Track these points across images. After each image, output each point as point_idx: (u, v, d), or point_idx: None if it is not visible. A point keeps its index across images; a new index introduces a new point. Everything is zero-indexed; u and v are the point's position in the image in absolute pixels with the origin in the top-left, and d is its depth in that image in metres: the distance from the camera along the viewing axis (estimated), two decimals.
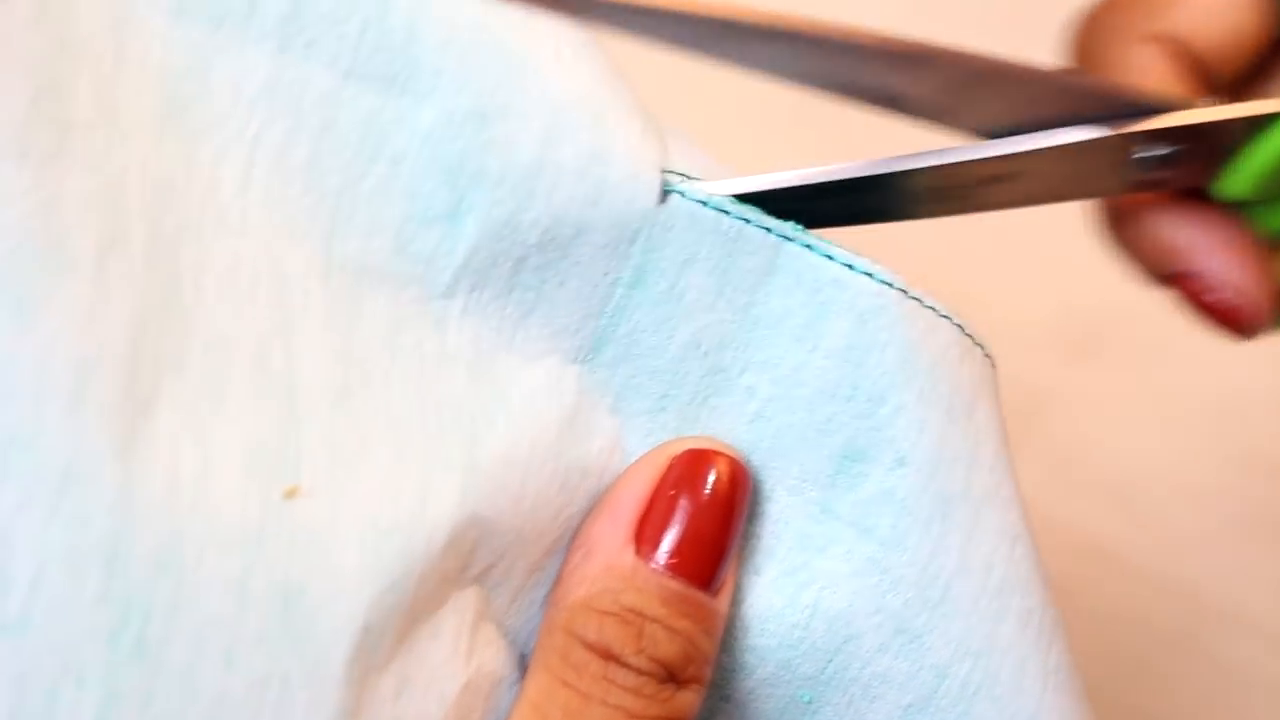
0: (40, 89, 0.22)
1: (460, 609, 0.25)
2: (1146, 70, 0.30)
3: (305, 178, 0.25)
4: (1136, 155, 0.29)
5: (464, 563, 0.25)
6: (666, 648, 0.26)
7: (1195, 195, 0.31)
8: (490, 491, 0.25)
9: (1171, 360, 0.55)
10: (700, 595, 0.26)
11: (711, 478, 0.26)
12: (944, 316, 0.27)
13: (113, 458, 0.21)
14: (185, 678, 0.21)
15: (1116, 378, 0.57)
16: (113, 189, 0.23)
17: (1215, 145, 0.29)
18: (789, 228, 0.27)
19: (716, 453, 0.27)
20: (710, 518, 0.26)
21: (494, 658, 0.26)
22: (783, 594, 0.27)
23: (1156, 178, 0.29)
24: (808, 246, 0.27)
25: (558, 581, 0.27)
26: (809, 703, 0.28)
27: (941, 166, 0.28)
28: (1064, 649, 0.28)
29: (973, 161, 0.28)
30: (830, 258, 0.27)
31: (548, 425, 0.26)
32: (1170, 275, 0.31)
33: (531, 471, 0.26)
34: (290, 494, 0.23)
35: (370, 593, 0.23)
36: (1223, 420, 0.55)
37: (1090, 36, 0.32)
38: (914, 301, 0.27)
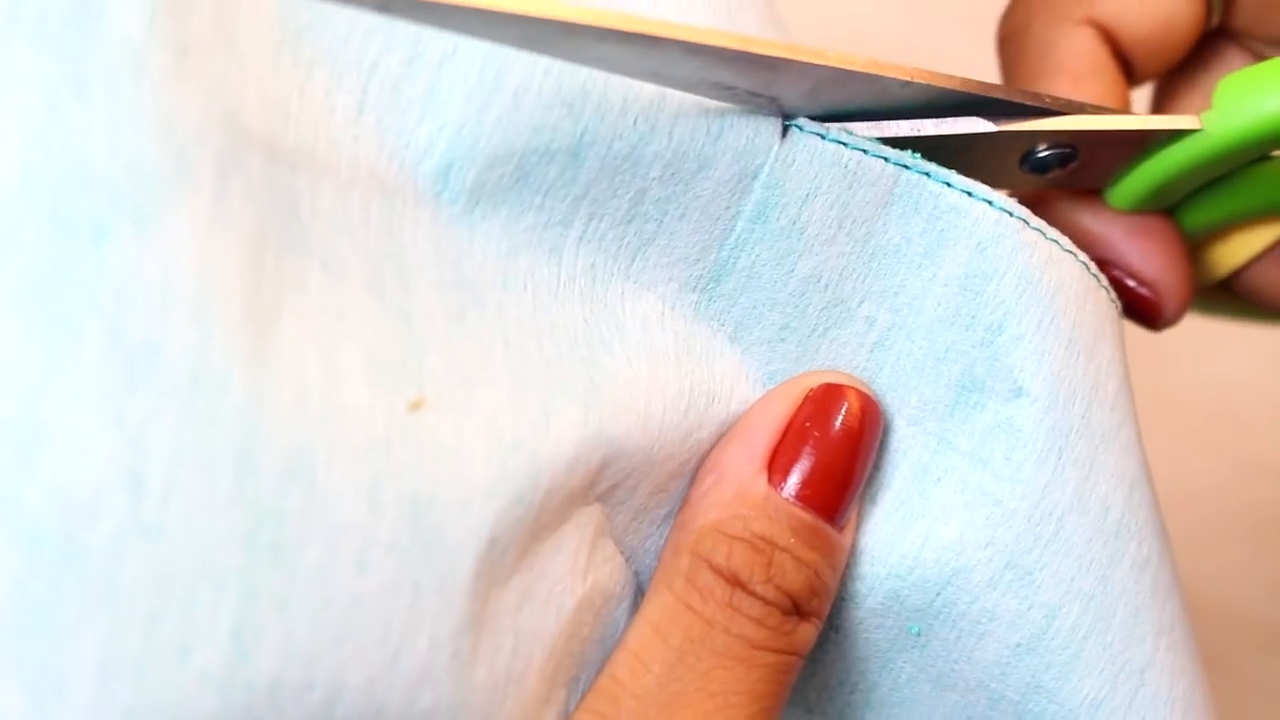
0: (158, 10, 0.22)
1: (581, 525, 0.25)
2: (1076, 53, 0.30)
3: (422, 108, 0.24)
4: (1035, 154, 0.28)
5: (591, 481, 0.25)
6: (794, 578, 0.26)
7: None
8: (614, 412, 0.25)
9: (1171, 360, 0.55)
10: (828, 528, 0.26)
11: (845, 412, 0.26)
12: (1069, 252, 0.27)
13: (240, 366, 0.21)
14: (320, 581, 0.21)
15: None
16: (231, 109, 0.22)
17: (1109, 153, 0.29)
18: (906, 156, 0.27)
19: (851, 388, 0.27)
20: (842, 452, 0.26)
21: (610, 575, 0.26)
22: (895, 523, 0.27)
23: (1054, 177, 0.29)
24: (925, 174, 0.27)
25: (686, 504, 0.27)
26: (918, 635, 0.28)
27: None
28: (1180, 608, 0.28)
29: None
30: (949, 184, 0.27)
31: (665, 349, 0.26)
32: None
33: (655, 393, 0.26)
34: (415, 406, 0.23)
35: (497, 506, 0.23)
36: (1222, 421, 0.55)
37: (1022, 16, 0.31)
38: (1035, 232, 0.27)
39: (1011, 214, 0.26)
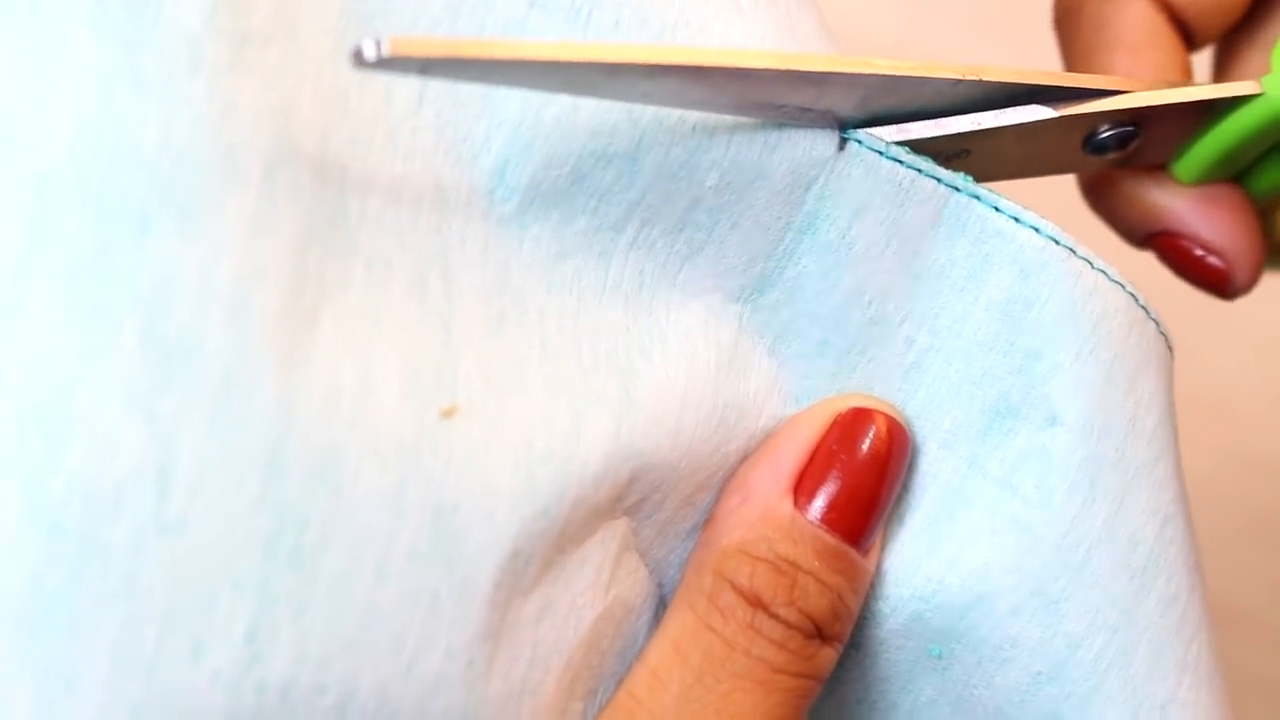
0: (218, 2, 0.22)
1: (607, 539, 0.25)
2: (1132, 25, 0.30)
3: (481, 104, 0.24)
4: (1097, 135, 0.28)
5: (618, 494, 0.25)
6: (817, 601, 0.25)
7: None
8: (646, 425, 0.25)
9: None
10: (853, 552, 0.26)
11: (873, 436, 0.26)
12: (1116, 282, 0.27)
13: (274, 368, 0.21)
14: (339, 587, 0.21)
15: None
16: (285, 103, 0.22)
17: (1171, 126, 0.29)
18: (959, 178, 0.27)
19: (881, 413, 0.27)
20: (869, 477, 0.26)
21: (632, 588, 0.26)
22: (922, 545, 0.27)
23: (1118, 156, 0.29)
24: (975, 197, 0.26)
25: (710, 522, 0.26)
26: (939, 658, 0.27)
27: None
28: (1208, 646, 0.28)
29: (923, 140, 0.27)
30: (998, 209, 0.26)
31: (706, 361, 0.26)
32: (1151, 235, 0.31)
33: (689, 407, 0.26)
34: (447, 414, 0.23)
35: (521, 516, 0.23)
36: (1223, 420, 0.55)
37: None
38: (1082, 261, 0.27)
39: (1058, 241, 0.26)
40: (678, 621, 0.26)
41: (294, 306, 0.22)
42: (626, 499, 0.25)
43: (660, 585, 0.27)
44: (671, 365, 0.26)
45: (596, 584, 0.25)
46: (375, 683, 0.22)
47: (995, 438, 0.27)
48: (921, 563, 0.27)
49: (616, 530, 0.25)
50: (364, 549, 0.22)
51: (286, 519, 0.21)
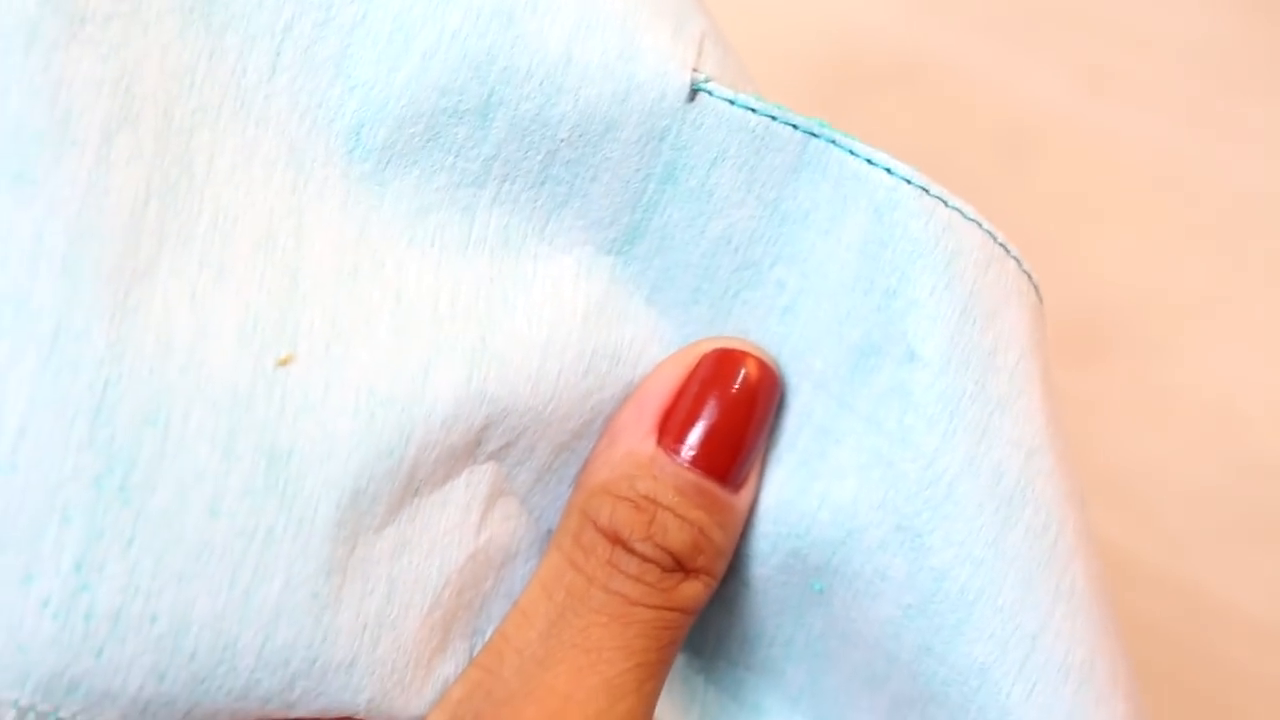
0: None
1: (473, 483, 0.26)
2: None
3: (334, 70, 0.26)
4: None
5: (474, 439, 0.26)
6: (676, 536, 0.26)
7: None
8: (502, 372, 0.26)
9: (1171, 361, 0.55)
10: (717, 489, 0.27)
11: (740, 377, 0.27)
12: (972, 220, 0.28)
13: (105, 318, 0.23)
14: (167, 523, 0.23)
15: (1117, 378, 0.57)
16: (126, 76, 0.24)
17: None
18: (814, 124, 0.27)
19: (746, 353, 0.27)
20: (734, 415, 0.27)
21: (510, 531, 0.27)
22: (797, 484, 0.28)
23: None
24: (832, 142, 0.27)
25: (584, 466, 0.27)
26: (820, 593, 0.28)
27: None
28: (1086, 576, 0.28)
29: None
30: (853, 153, 0.27)
31: (573, 310, 0.27)
32: None
33: (552, 354, 0.26)
34: (284, 362, 0.24)
35: (361, 457, 0.25)
36: (1223, 420, 0.55)
37: None
38: (935, 200, 0.27)
39: (910, 181, 0.27)
40: (547, 561, 0.27)
41: (127, 260, 0.23)
42: (486, 443, 0.26)
43: (549, 532, 0.28)
44: (534, 315, 0.27)
45: (464, 525, 0.26)
46: (210, 612, 0.24)
47: (861, 375, 0.28)
48: (797, 501, 0.28)
49: (484, 475, 0.27)
50: (193, 489, 0.23)
51: (115, 459, 0.23)
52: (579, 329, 0.27)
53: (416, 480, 0.25)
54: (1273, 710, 0.50)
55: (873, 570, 0.27)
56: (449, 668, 0.27)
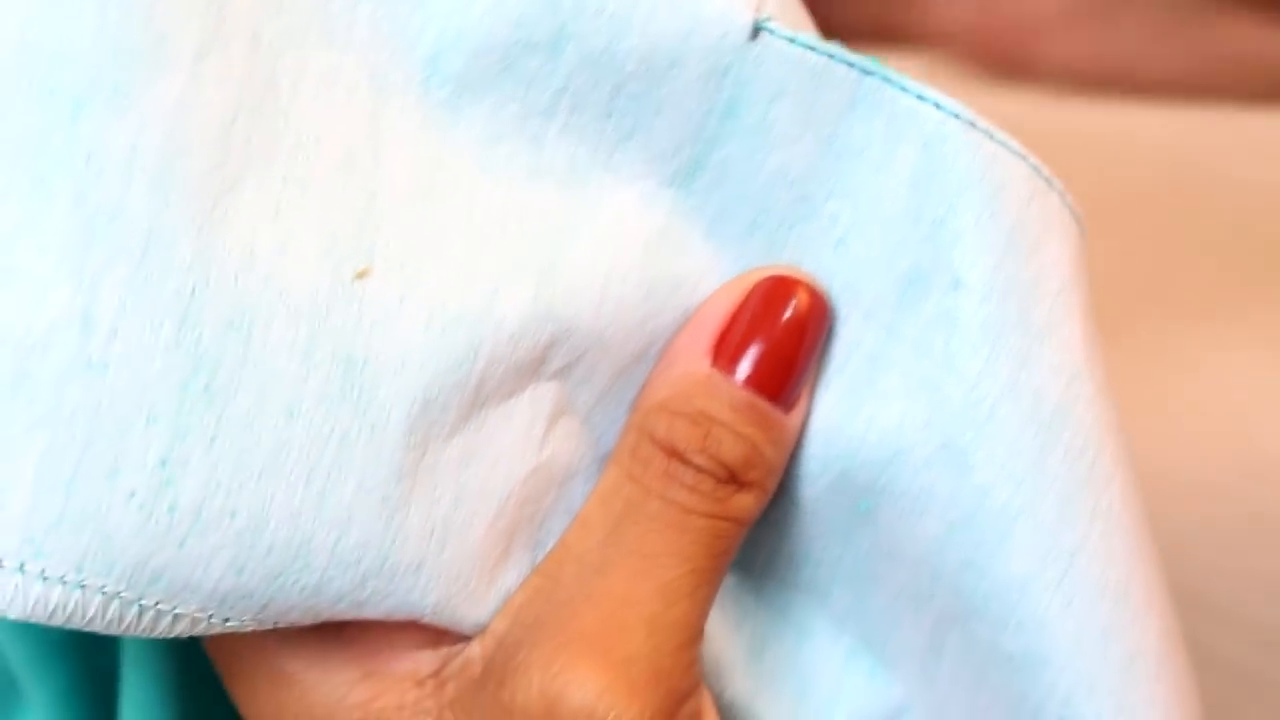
0: None
1: (537, 399, 0.27)
2: None
3: (414, 2, 0.26)
4: None
5: (539, 356, 0.27)
6: (730, 449, 0.27)
7: None
8: (566, 292, 0.27)
9: (1171, 360, 0.55)
10: (769, 407, 0.28)
11: (792, 303, 0.28)
12: (1018, 155, 0.28)
13: (192, 229, 0.24)
14: (248, 423, 0.24)
15: (1117, 378, 0.57)
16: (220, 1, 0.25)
17: None
18: (869, 62, 0.28)
19: (797, 280, 0.28)
20: (785, 338, 0.28)
21: (571, 450, 0.28)
22: (845, 408, 0.29)
23: None
24: (886, 80, 0.28)
25: (643, 387, 0.28)
26: (867, 512, 0.29)
27: None
28: (1123, 499, 0.29)
29: None
30: (904, 89, 0.28)
31: (635, 238, 0.28)
32: None
33: (614, 279, 0.27)
34: (361, 275, 0.25)
35: (433, 369, 0.25)
36: (1223, 420, 0.55)
37: None
38: (982, 134, 0.28)
39: (959, 116, 0.28)
40: (605, 476, 0.28)
41: (215, 174, 0.24)
42: (550, 362, 0.27)
43: (608, 454, 0.29)
44: (598, 242, 0.27)
45: (528, 439, 0.27)
46: (286, 510, 0.24)
47: (909, 303, 0.28)
48: (845, 425, 0.29)
49: (547, 393, 0.27)
50: (272, 391, 0.24)
51: (200, 362, 0.24)
52: (640, 258, 0.28)
53: (484, 393, 0.26)
54: (1273, 710, 0.50)
55: (919, 488, 0.28)
56: (511, 577, 0.27)
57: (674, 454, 0.27)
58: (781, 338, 0.28)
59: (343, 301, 0.25)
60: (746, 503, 0.28)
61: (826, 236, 0.29)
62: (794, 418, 0.28)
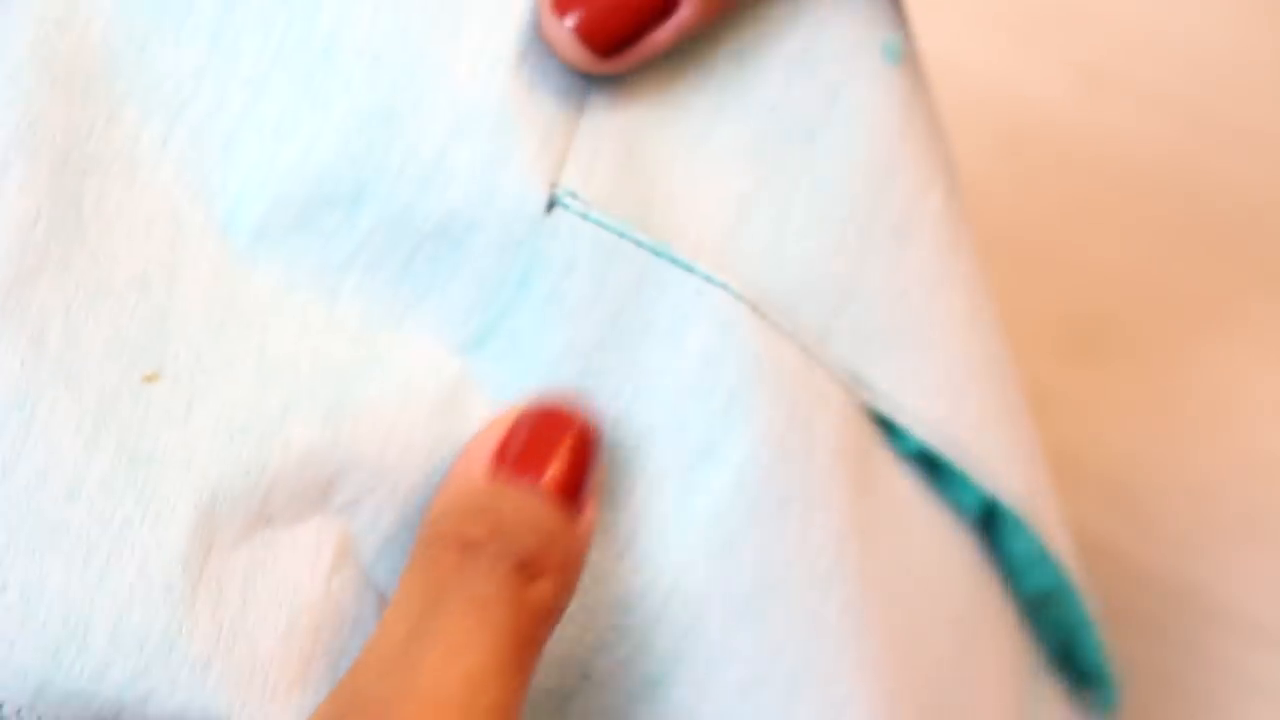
0: None
1: (323, 534, 0.27)
2: None
3: (221, 151, 0.27)
4: None
5: (326, 484, 0.27)
6: (523, 538, 0.27)
7: None
8: (354, 427, 0.27)
9: (1171, 360, 0.55)
10: (558, 500, 0.28)
11: (570, 414, 0.28)
12: (787, 334, 0.30)
13: None
14: (25, 500, 0.25)
15: (1117, 378, 0.57)
16: (31, 115, 0.26)
17: None
18: (660, 245, 0.29)
19: (570, 399, 0.29)
20: (570, 443, 0.28)
21: (353, 596, 0.28)
22: (643, 576, 0.29)
23: None
24: (673, 261, 0.29)
25: (426, 510, 0.28)
26: (662, 678, 0.30)
27: None
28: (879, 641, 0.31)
29: None
30: (691, 270, 0.29)
31: (422, 401, 0.28)
32: None
33: (399, 430, 0.28)
34: (149, 379, 0.26)
35: (219, 472, 0.26)
36: (1222, 420, 0.55)
37: None
38: (762, 319, 0.30)
39: (742, 300, 0.29)
40: (402, 584, 0.27)
41: (9, 266, 0.25)
42: (338, 495, 0.28)
43: (385, 600, 0.29)
44: (389, 391, 0.28)
45: (314, 567, 0.27)
46: (62, 588, 0.25)
47: (698, 476, 0.30)
48: (645, 593, 0.29)
49: (333, 532, 0.28)
50: (54, 472, 0.25)
51: None
52: (426, 418, 0.28)
53: (271, 509, 0.27)
54: (1273, 710, 0.50)
55: (718, 651, 0.29)
56: (311, 693, 0.27)
57: (466, 547, 0.27)
58: (564, 442, 0.28)
59: (130, 399, 0.26)
60: (547, 589, 0.27)
61: (611, 407, 0.29)
62: (583, 521, 0.28)
